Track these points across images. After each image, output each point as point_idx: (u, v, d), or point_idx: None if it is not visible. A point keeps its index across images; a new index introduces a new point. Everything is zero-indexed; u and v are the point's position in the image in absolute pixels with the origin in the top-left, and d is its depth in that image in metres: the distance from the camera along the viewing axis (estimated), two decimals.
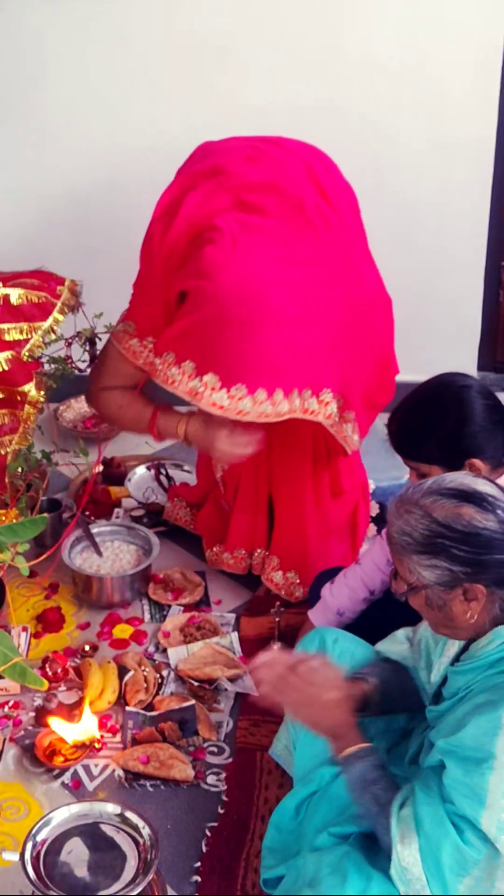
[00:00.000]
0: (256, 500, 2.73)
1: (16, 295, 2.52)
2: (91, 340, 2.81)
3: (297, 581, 2.70)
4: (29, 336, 2.52)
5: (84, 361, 2.83)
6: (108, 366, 2.52)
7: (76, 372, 2.76)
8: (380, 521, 2.94)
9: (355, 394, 2.49)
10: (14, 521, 2.46)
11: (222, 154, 2.40)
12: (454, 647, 1.83)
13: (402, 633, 2.04)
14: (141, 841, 1.82)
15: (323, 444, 2.61)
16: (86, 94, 3.34)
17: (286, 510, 2.70)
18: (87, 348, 2.83)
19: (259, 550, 2.78)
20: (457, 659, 1.80)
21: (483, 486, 1.70)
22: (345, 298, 2.35)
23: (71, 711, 2.37)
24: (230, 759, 2.29)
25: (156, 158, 3.38)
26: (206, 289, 2.20)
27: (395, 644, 2.03)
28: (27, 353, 2.51)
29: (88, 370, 2.73)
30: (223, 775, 2.25)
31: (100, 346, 2.83)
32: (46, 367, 2.64)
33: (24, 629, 2.61)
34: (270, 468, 2.67)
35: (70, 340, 2.76)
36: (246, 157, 2.37)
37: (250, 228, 2.25)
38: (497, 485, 1.73)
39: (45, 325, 2.54)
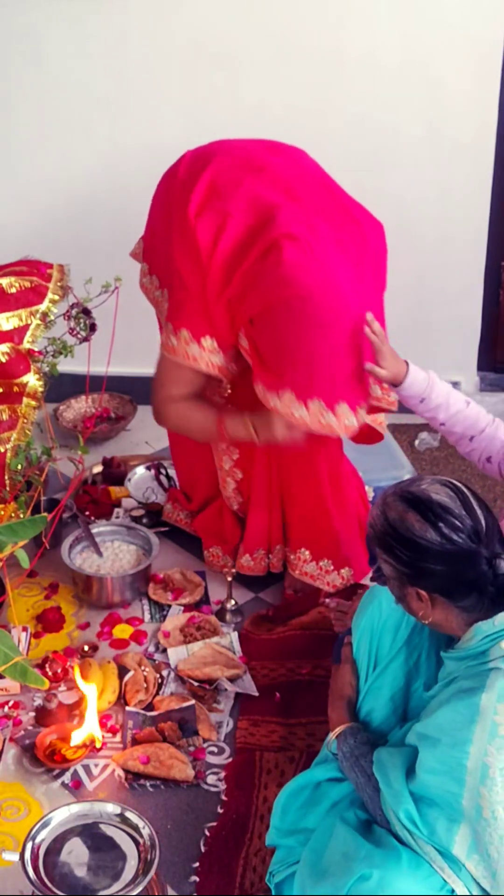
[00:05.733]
0: (270, 496, 2.69)
1: (7, 283, 2.52)
2: (86, 310, 2.81)
3: (331, 567, 2.69)
4: (28, 322, 2.53)
5: (83, 332, 2.83)
6: (167, 376, 2.47)
7: (77, 344, 2.76)
8: None
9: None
10: (13, 515, 2.47)
11: (243, 150, 2.39)
12: None
13: None
14: (141, 841, 1.82)
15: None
16: (86, 94, 3.34)
17: (305, 499, 2.65)
18: (85, 318, 2.83)
19: (278, 547, 2.75)
20: (449, 644, 1.84)
21: (440, 495, 1.73)
22: (378, 296, 2.39)
23: (71, 711, 2.37)
24: (230, 759, 2.29)
25: (156, 157, 3.38)
26: (294, 300, 2.17)
27: None
28: (30, 339, 2.51)
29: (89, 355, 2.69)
30: (223, 775, 2.25)
31: (95, 314, 2.84)
32: (46, 348, 2.65)
33: (24, 629, 2.61)
34: (281, 461, 2.63)
35: (68, 314, 2.77)
36: (268, 149, 2.38)
37: (313, 228, 2.23)
38: (465, 495, 1.75)
39: (43, 307, 2.54)
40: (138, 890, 1.73)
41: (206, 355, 2.38)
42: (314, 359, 2.20)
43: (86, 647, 2.59)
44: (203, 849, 2.08)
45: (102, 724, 2.35)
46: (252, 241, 2.24)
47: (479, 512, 1.73)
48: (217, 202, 2.28)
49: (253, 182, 2.30)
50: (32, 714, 2.40)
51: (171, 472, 3.20)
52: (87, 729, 2.27)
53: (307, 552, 2.71)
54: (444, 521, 1.70)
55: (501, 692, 1.63)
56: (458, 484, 1.77)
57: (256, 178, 2.31)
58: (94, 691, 2.31)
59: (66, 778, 2.24)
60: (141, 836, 1.83)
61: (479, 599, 1.71)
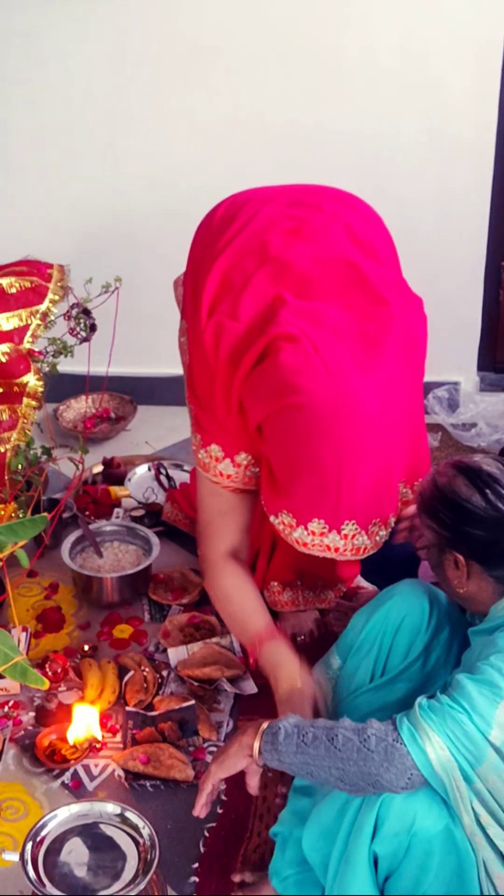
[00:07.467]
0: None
1: (7, 283, 2.53)
2: (87, 311, 2.81)
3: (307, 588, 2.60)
4: (28, 322, 2.53)
5: (83, 332, 2.82)
6: (208, 502, 2.24)
7: (77, 344, 2.75)
8: None
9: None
10: (13, 515, 2.48)
11: (262, 228, 2.13)
12: None
13: None
14: (141, 841, 1.83)
15: None
16: (86, 94, 3.34)
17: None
18: (85, 319, 2.83)
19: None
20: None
21: (490, 466, 1.81)
22: (413, 386, 2.15)
23: (71, 711, 2.37)
24: None
25: (156, 157, 3.40)
26: (292, 408, 1.93)
27: None
28: (30, 339, 2.52)
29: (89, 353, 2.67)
30: None
31: (95, 314, 2.82)
32: (46, 348, 2.65)
33: (24, 629, 2.61)
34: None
35: (69, 314, 2.77)
36: (288, 230, 2.12)
37: (321, 323, 2.00)
38: None
39: (43, 307, 2.55)
40: (138, 890, 1.74)
41: (242, 472, 2.16)
42: (318, 473, 1.94)
43: (86, 647, 2.59)
44: (203, 849, 2.08)
45: (102, 724, 2.35)
46: (249, 343, 2.01)
47: None
48: (223, 304, 2.07)
49: (262, 276, 2.07)
50: (32, 714, 2.40)
51: (172, 472, 3.20)
52: (81, 731, 2.28)
53: (275, 584, 2.61)
54: (490, 488, 1.77)
55: None
56: None
57: (267, 270, 2.07)
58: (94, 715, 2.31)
59: (66, 778, 2.24)
60: (141, 836, 1.84)
61: None
